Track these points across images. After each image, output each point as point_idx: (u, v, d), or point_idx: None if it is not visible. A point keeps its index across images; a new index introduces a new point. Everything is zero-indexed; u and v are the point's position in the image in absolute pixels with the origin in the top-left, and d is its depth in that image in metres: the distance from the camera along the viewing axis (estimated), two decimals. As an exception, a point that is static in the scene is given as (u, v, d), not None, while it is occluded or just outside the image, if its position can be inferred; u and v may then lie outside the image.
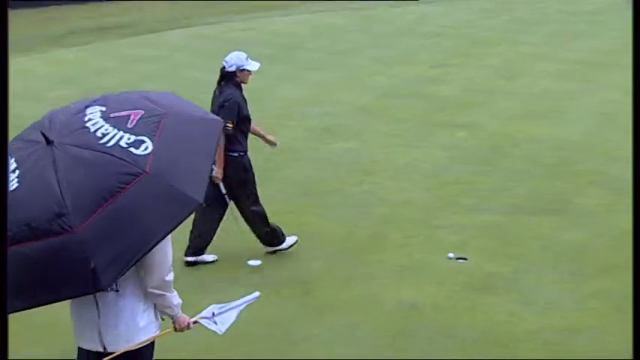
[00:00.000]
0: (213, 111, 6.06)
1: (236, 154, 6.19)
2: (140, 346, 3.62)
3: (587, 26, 15.93)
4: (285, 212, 7.39)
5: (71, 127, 3.58)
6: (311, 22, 18.17)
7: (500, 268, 6.11)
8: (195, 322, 3.79)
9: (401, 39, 15.63)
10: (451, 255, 6.35)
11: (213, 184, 6.04)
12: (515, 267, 6.12)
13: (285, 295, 5.86)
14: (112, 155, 3.41)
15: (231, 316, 3.80)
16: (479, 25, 16.70)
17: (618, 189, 7.54)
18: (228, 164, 6.14)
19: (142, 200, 3.36)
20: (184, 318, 3.77)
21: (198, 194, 3.44)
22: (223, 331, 3.79)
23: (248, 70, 6.25)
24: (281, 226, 6.47)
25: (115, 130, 3.50)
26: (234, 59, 6.25)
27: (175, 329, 3.77)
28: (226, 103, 6.11)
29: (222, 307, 3.83)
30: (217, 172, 6.09)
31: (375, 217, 7.21)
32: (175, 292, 3.71)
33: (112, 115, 3.58)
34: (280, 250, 6.45)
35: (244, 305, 3.87)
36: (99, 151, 3.43)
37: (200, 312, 3.82)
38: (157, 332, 3.71)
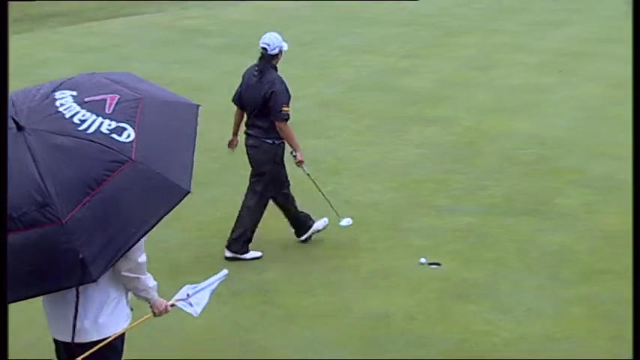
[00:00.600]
0: (252, 97, 6.30)
1: (270, 142, 6.36)
2: (111, 339, 3.73)
3: (566, 15, 16.16)
4: (243, 216, 7.33)
5: (42, 112, 3.61)
6: (272, 10, 18.14)
7: (475, 274, 6.13)
8: (172, 305, 3.94)
9: (369, 28, 15.68)
10: (423, 260, 6.35)
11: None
12: (491, 272, 6.15)
13: (245, 305, 5.81)
14: (93, 142, 3.47)
15: (204, 297, 3.99)
16: (452, 13, 16.84)
17: (601, 188, 7.63)
18: (257, 151, 6.38)
19: (129, 189, 3.44)
20: (161, 301, 3.88)
21: (186, 182, 3.55)
22: (199, 312, 3.98)
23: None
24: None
25: (94, 116, 3.56)
26: (276, 41, 6.34)
27: (154, 314, 3.89)
28: (275, 89, 6.26)
29: (195, 288, 4.00)
30: (299, 154, 6.37)
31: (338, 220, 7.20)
32: (149, 275, 3.81)
33: (86, 100, 3.64)
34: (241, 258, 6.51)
35: (216, 284, 4.07)
36: (79, 138, 3.48)
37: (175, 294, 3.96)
38: (127, 323, 3.83)
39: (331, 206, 6.69)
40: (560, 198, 7.44)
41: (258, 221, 6.51)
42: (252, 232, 6.50)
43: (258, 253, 6.53)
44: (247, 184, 8.17)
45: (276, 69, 6.41)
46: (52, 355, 3.99)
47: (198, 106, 3.90)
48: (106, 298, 3.73)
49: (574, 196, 7.45)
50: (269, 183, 6.46)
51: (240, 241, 6.46)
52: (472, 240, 6.69)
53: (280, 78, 6.36)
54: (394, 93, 11.07)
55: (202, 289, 4.04)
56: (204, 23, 17.07)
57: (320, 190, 6.60)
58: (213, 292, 4.06)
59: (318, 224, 6.71)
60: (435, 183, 7.93)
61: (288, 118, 6.34)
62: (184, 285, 4.06)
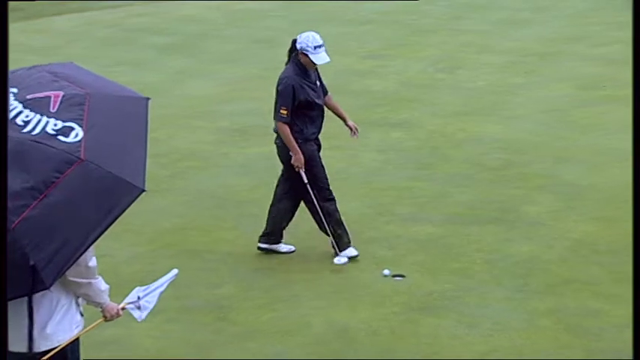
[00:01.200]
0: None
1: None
2: (62, 347, 3.77)
3: (531, 13, 16.46)
4: (192, 228, 7.38)
5: None
6: (225, 7, 18.17)
7: (441, 286, 6.26)
8: (123, 309, 4.02)
9: (328, 26, 15.76)
10: (386, 272, 6.47)
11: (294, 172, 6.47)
12: (457, 284, 6.28)
13: (199, 322, 5.85)
14: (40, 143, 3.50)
15: (153, 299, 4.13)
16: (416, 11, 17.03)
17: (569, 194, 7.83)
18: (281, 150, 6.53)
19: (80, 190, 3.49)
20: (113, 305, 3.95)
21: (139, 180, 3.62)
22: (143, 317, 4.09)
23: (310, 59, 6.39)
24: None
25: (38, 116, 3.58)
26: (303, 39, 6.42)
27: (105, 319, 3.95)
28: (279, 88, 6.41)
29: (146, 289, 4.11)
30: (295, 159, 6.42)
31: (299, 231, 7.25)
32: (100, 278, 3.86)
33: (28, 97, 3.65)
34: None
35: (165, 285, 4.17)
36: (25, 140, 3.50)
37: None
38: (78, 330, 3.87)
39: (326, 225, 6.63)
40: (527, 205, 7.63)
41: (337, 218, 6.62)
42: (342, 229, 6.61)
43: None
44: (198, 190, 8.25)
45: (302, 69, 6.43)
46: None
47: (148, 99, 3.94)
48: (55, 305, 3.77)
49: (541, 203, 7.64)
50: (291, 183, 6.61)
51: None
52: (437, 250, 6.82)
53: (290, 77, 6.44)
54: (355, 96, 11.19)
55: (153, 290, 4.13)
56: (153, 21, 17.05)
57: (318, 204, 6.58)
58: (161, 294, 4.15)
59: (282, 247, 6.80)
60: (398, 190, 8.06)
61: (285, 121, 6.47)
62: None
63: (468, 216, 7.44)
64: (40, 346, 3.76)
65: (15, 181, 3.42)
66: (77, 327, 3.88)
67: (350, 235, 6.71)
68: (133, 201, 3.62)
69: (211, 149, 9.44)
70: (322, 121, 6.66)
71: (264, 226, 6.78)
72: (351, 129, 6.78)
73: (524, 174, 8.39)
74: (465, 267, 6.54)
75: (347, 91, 11.51)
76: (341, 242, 6.67)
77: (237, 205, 7.84)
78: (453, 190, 8.06)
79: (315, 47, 6.35)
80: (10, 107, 3.60)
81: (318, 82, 6.61)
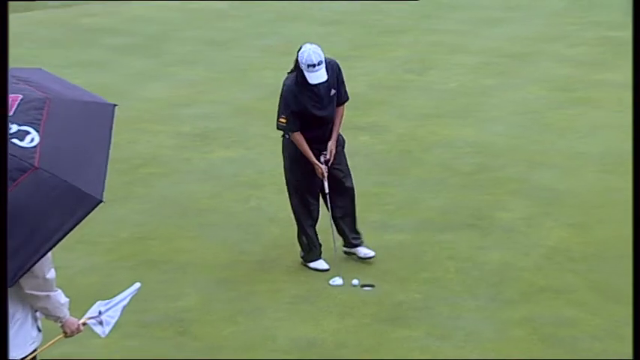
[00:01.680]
0: None
1: (287, 135, 6.60)
2: None
3: (503, 12, 16.64)
4: (152, 238, 7.37)
5: None
6: (184, 7, 18.15)
7: (411, 296, 6.32)
8: (84, 324, 4.01)
9: (292, 26, 15.85)
10: (355, 282, 6.51)
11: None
12: (428, 294, 6.34)
13: (158, 337, 5.85)
14: None
15: (116, 314, 4.15)
16: (385, 10, 17.14)
17: (544, 199, 7.95)
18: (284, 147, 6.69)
19: (33, 199, 3.49)
20: (73, 320, 3.92)
21: (97, 190, 3.62)
22: (107, 332, 4.09)
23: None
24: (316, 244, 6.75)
25: None
26: (300, 54, 6.40)
27: (66, 334, 3.93)
28: (280, 95, 6.49)
29: (107, 304, 4.11)
30: (315, 169, 6.54)
31: (264, 240, 7.30)
32: (60, 291, 3.84)
33: None
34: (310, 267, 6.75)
35: (128, 299, 4.18)
36: None
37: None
38: (34, 346, 3.87)
39: (333, 235, 6.74)
40: (500, 211, 7.72)
41: (305, 223, 6.70)
42: (305, 235, 6.70)
43: (325, 266, 6.70)
44: (158, 198, 8.24)
45: (301, 75, 6.40)
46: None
47: (115, 105, 3.95)
48: (9, 319, 3.74)
49: (515, 209, 7.74)
50: (289, 182, 6.71)
51: (300, 245, 6.77)
52: (408, 259, 6.87)
53: (287, 86, 6.48)
54: (321, 98, 11.23)
55: (115, 304, 4.15)
56: (107, 21, 16.98)
57: (330, 213, 6.69)
58: (124, 308, 4.17)
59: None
60: (366, 197, 8.09)
61: (285, 129, 6.54)
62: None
63: (439, 223, 7.51)
64: None
65: None
66: (33, 343, 3.87)
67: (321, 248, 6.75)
68: (88, 212, 3.62)
69: (172, 154, 9.44)
70: (325, 133, 6.59)
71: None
72: (324, 150, 6.65)
73: (497, 178, 8.49)
74: (436, 276, 6.60)
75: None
76: (307, 254, 6.74)
77: (199, 213, 7.85)
78: (424, 196, 8.13)
79: (309, 66, 6.32)
80: None
81: (332, 90, 6.52)
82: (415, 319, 6.02)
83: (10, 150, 3.51)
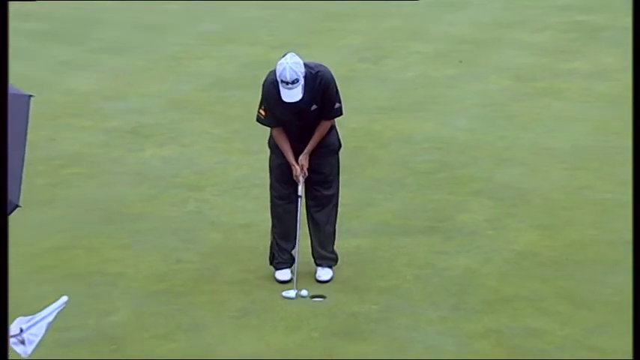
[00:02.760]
0: None
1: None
2: None
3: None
4: (78, 247, 7.30)
5: None
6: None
7: (367, 307, 6.35)
8: None
9: (232, 11, 15.81)
10: (304, 292, 6.52)
11: None
12: (385, 304, 6.38)
13: (87, 356, 5.81)
14: None
15: (40, 331, 4.09)
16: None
17: (509, 199, 8.06)
18: None
19: None
20: None
21: (14, 194, 3.63)
22: (29, 352, 4.07)
23: None
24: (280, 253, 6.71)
25: None
26: (277, 64, 6.45)
27: None
28: (262, 88, 6.56)
29: (30, 321, 4.09)
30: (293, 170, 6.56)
31: (204, 246, 7.29)
32: None
33: None
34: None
35: (54, 315, 4.17)
36: None
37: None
38: None
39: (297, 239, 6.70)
40: (462, 213, 7.81)
41: (272, 222, 6.70)
42: (276, 244, 6.69)
43: (282, 277, 6.67)
44: (84, 202, 8.16)
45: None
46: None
47: (30, 96, 3.91)
48: None
49: (478, 211, 7.84)
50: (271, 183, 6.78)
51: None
52: (362, 266, 6.90)
53: (269, 84, 6.49)
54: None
55: (39, 321, 4.12)
56: (24, 4, 16.75)
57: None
58: (50, 325, 4.14)
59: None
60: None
61: (264, 123, 6.63)
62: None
63: (396, 226, 7.57)
64: None
65: None
66: None
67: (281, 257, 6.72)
68: (4, 218, 3.64)
69: (100, 153, 9.37)
70: (307, 134, 6.57)
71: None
72: (295, 163, 6.62)
73: (459, 177, 8.59)
74: (393, 284, 6.65)
75: (256, 85, 11.47)
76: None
77: (131, 219, 7.80)
78: (379, 197, 8.18)
79: (282, 82, 6.32)
80: None
81: (314, 105, 6.49)
82: (370, 332, 6.05)
83: None
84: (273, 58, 12.79)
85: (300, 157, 6.60)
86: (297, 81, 6.31)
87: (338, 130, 6.85)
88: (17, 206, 3.62)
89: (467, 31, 14.05)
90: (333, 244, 6.80)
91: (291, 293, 6.51)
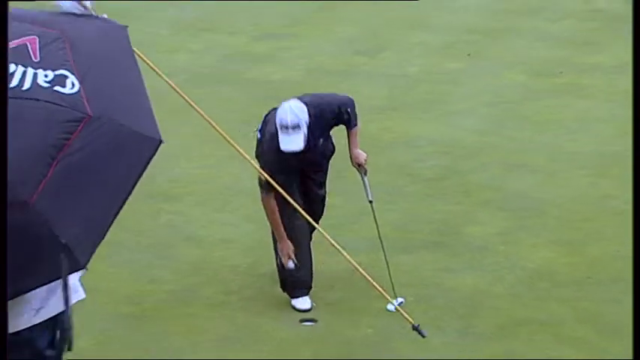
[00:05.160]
0: None
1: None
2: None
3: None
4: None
5: None
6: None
7: (362, 331, 6.40)
8: None
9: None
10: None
11: None
12: (382, 328, 6.43)
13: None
14: (36, 100, 3.78)
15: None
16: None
17: (522, 210, 8.09)
18: None
19: (94, 150, 3.81)
20: None
21: (154, 130, 4.00)
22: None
23: None
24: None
25: (22, 68, 3.84)
26: (281, 106, 6.55)
27: None
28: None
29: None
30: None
31: (180, 264, 7.31)
32: None
33: None
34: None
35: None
36: (16, 99, 3.77)
37: None
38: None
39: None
40: (470, 226, 7.85)
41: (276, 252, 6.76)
42: (279, 270, 6.75)
43: (306, 305, 6.71)
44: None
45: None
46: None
47: (126, 27, 4.28)
48: None
49: (488, 223, 7.88)
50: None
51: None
52: (357, 286, 6.89)
53: (269, 150, 6.60)
54: (249, 87, 11.27)
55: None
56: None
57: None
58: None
59: None
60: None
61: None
62: None
63: (396, 240, 7.58)
64: (31, 322, 4.21)
65: (20, 151, 3.69)
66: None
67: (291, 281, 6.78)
68: (153, 154, 3.98)
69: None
70: (315, 159, 6.82)
71: None
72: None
73: (466, 185, 8.62)
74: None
75: (239, 80, 11.59)
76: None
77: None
78: (377, 208, 8.16)
79: (281, 127, 6.38)
80: None
81: (321, 140, 6.73)
82: (368, 358, 6.09)
83: (56, 99, 3.78)
84: (256, 50, 12.97)
85: (354, 153, 6.95)
86: (298, 127, 6.33)
87: (330, 133, 6.88)
88: (162, 142, 3.97)
89: (475, 20, 14.03)
90: None
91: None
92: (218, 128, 5.91)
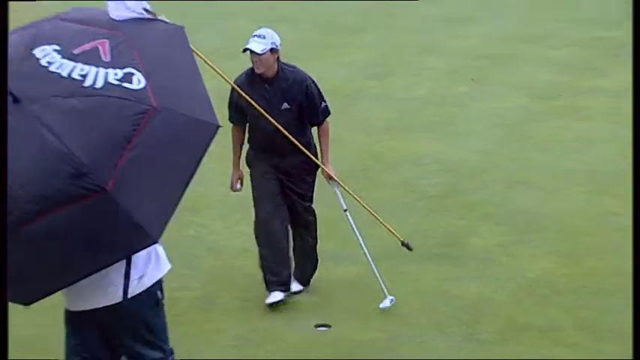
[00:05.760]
0: None
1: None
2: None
3: (476, 8, 16.73)
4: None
5: (32, 76, 4.13)
6: None
7: (373, 335, 6.45)
8: None
9: (227, 24, 15.79)
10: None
11: None
12: (392, 333, 6.48)
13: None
14: (108, 97, 4.05)
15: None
16: (339, 5, 17.20)
17: (520, 224, 8.14)
18: None
19: (161, 138, 4.07)
20: None
21: (212, 116, 4.24)
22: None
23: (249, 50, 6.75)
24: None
25: (94, 68, 4.12)
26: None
27: None
28: None
29: None
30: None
31: (202, 274, 7.38)
32: None
33: (75, 52, 4.19)
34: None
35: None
36: (90, 96, 4.04)
37: None
38: (168, 267, 4.72)
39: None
40: (473, 238, 7.90)
41: (262, 252, 6.88)
42: (263, 266, 6.85)
43: (271, 298, 6.79)
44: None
45: (250, 71, 6.91)
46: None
47: (182, 27, 4.48)
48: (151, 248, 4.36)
49: (490, 236, 7.92)
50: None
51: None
52: (367, 294, 6.96)
53: (239, 76, 6.95)
54: (266, 108, 11.29)
55: None
56: None
57: None
58: None
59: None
60: (319, 223, 8.18)
61: (232, 121, 7.03)
62: None
63: (403, 252, 7.51)
64: (134, 291, 4.45)
65: (95, 141, 3.96)
66: (165, 264, 4.64)
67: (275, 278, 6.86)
68: (212, 138, 4.20)
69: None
70: (273, 148, 6.85)
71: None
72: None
73: (470, 201, 8.67)
74: (400, 313, 6.73)
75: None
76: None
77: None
78: (385, 222, 8.23)
79: (252, 36, 6.74)
80: (61, 66, 4.14)
81: (285, 104, 6.81)
82: (377, 361, 6.13)
83: (124, 94, 4.04)
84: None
85: (326, 167, 6.96)
86: (263, 37, 6.69)
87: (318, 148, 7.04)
88: (219, 126, 4.20)
89: (480, 46, 14.05)
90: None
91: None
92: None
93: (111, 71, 4.11)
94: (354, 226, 6.95)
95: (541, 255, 7.57)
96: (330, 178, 7.01)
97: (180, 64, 4.35)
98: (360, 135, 10.42)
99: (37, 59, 4.16)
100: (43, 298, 4.14)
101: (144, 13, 4.44)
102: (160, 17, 4.52)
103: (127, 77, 4.12)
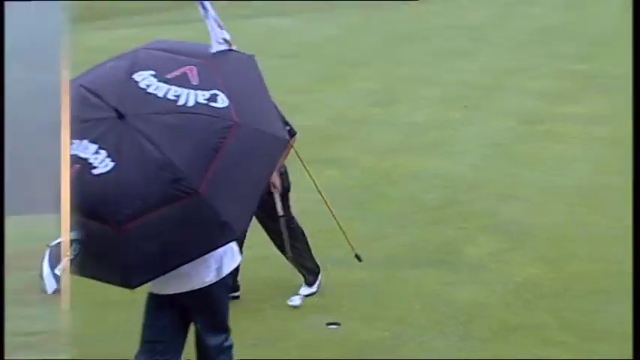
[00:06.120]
0: None
1: None
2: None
3: (469, 43, 16.77)
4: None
5: (133, 96, 4.33)
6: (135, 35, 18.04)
7: (377, 334, 6.25)
8: None
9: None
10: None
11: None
12: (395, 332, 6.28)
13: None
14: (198, 114, 4.26)
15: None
16: (347, 42, 17.21)
17: (510, 234, 7.95)
18: None
19: (242, 150, 4.28)
20: None
21: (282, 133, 4.56)
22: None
23: None
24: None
25: (186, 90, 4.33)
26: None
27: None
28: None
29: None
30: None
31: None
32: None
33: (169, 77, 4.40)
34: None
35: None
36: (183, 113, 4.26)
37: None
38: (240, 258, 5.00)
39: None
40: (468, 246, 7.70)
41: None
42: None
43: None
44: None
45: None
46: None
47: (253, 56, 4.74)
48: None
49: (483, 244, 7.73)
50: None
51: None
52: (373, 296, 6.83)
53: None
54: (283, 131, 11.17)
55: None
56: None
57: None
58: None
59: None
60: (330, 232, 7.99)
61: None
62: None
63: (406, 258, 7.48)
64: (212, 280, 4.66)
65: (188, 151, 4.18)
66: (237, 257, 4.87)
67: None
68: (283, 151, 4.54)
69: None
70: None
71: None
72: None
73: (465, 213, 8.49)
74: (403, 314, 6.56)
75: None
76: None
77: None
78: (389, 231, 8.08)
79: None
80: (157, 88, 4.34)
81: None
82: (381, 358, 5.95)
83: (212, 112, 4.26)
84: (288, 103, 12.78)
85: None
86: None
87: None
88: (288, 140, 4.78)
89: (472, 77, 14.01)
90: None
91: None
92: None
93: (200, 92, 4.31)
94: (285, 233, 6.72)
95: (528, 261, 7.39)
96: (274, 186, 6.77)
97: (255, 87, 4.57)
98: (366, 155, 10.35)
99: (136, 82, 4.36)
100: (144, 283, 4.36)
101: (223, 42, 4.70)
102: (233, 47, 4.81)
103: (213, 97, 4.31)
